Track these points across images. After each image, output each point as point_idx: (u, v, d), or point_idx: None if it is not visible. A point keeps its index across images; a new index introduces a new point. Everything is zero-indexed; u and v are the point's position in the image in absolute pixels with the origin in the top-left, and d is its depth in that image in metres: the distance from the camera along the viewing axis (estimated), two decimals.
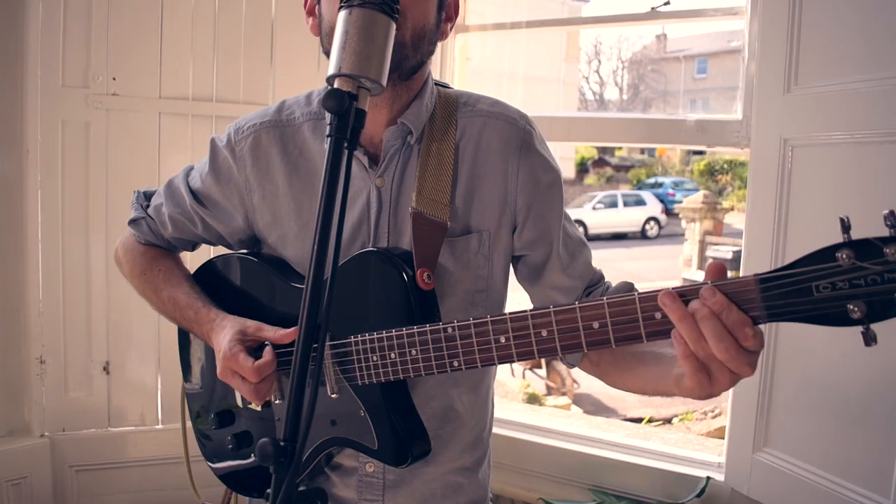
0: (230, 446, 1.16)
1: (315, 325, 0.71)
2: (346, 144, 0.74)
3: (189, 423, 1.31)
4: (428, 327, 0.96)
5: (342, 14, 0.77)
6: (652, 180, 20.74)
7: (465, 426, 1.21)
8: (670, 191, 18.95)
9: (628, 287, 1.16)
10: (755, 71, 1.94)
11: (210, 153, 1.23)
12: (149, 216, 1.28)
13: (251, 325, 1.08)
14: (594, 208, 17.65)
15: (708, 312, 0.74)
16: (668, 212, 17.28)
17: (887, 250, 0.67)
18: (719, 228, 10.44)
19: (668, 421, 5.60)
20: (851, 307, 0.69)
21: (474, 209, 1.13)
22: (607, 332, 0.82)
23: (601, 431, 2.58)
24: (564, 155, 20.83)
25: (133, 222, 1.30)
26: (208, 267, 1.25)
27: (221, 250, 1.29)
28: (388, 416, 1.05)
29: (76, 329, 2.24)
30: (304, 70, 2.33)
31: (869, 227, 0.76)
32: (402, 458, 1.05)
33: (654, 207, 17.74)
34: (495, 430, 2.36)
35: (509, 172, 1.13)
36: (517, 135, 1.14)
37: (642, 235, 17.40)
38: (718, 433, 4.48)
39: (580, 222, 17.20)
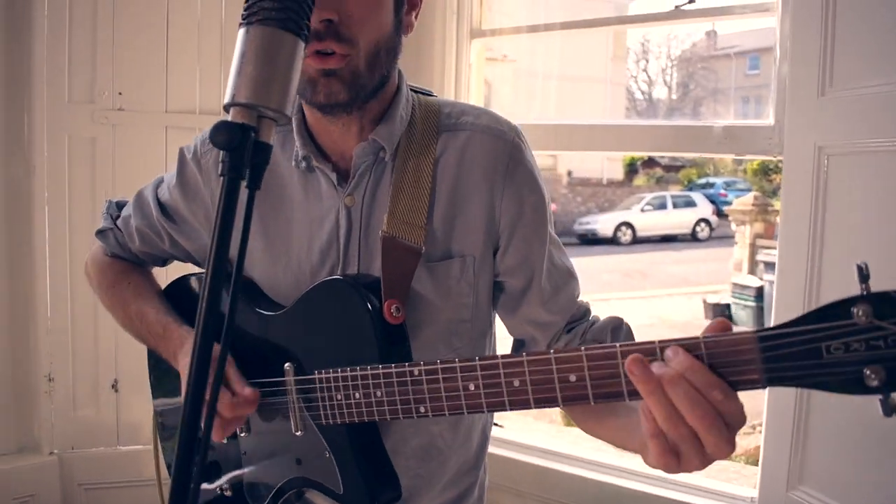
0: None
1: (204, 385, 0.61)
2: (245, 184, 0.64)
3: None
4: (393, 368, 0.87)
5: (240, 33, 0.67)
6: (703, 180, 20.21)
7: (448, 462, 1.12)
8: (722, 191, 18.42)
9: (616, 324, 1.04)
10: (787, 72, 1.79)
11: (178, 164, 1.15)
12: (117, 227, 1.21)
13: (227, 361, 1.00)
14: (642, 210, 17.28)
15: (675, 374, 0.64)
16: (720, 213, 16.81)
17: None
18: (771, 231, 10.00)
19: None
20: (868, 373, 0.59)
21: (456, 231, 1.03)
22: (585, 387, 0.71)
23: (629, 458, 2.44)
24: (612, 156, 20.47)
25: (100, 233, 1.24)
26: (179, 284, 1.18)
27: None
28: (354, 460, 0.96)
29: (84, 346, 2.21)
30: None
31: None
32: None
33: (704, 209, 17.27)
34: (516, 455, 2.30)
35: (495, 190, 1.02)
36: (504, 149, 1.03)
37: (693, 237, 16.96)
38: None
39: (628, 225, 16.89)
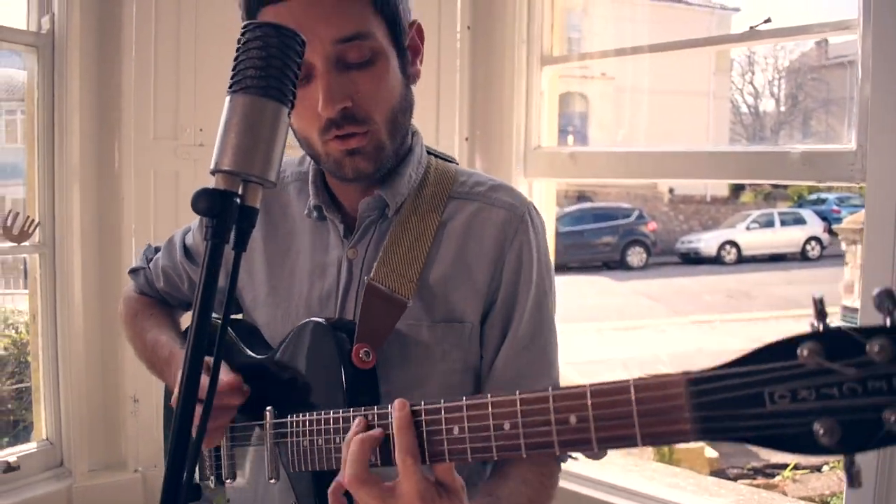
0: None
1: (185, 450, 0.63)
2: (233, 246, 0.67)
3: None
4: (351, 412, 0.85)
5: (226, 101, 0.69)
6: (814, 196, 19.15)
7: None
8: (835, 207, 17.34)
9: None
10: (869, 93, 1.67)
11: None
12: (148, 267, 1.28)
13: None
14: (748, 228, 16.54)
15: None
16: (832, 231, 15.85)
17: (871, 347, 0.48)
18: None
19: (818, 469, 5.04)
20: (819, 428, 0.49)
21: (458, 297, 1.02)
22: (518, 437, 0.67)
23: (707, 497, 2.33)
24: None
25: (133, 272, 1.31)
26: None
27: None
28: None
29: None
30: None
31: None
32: None
33: (815, 226, 16.32)
34: (585, 490, 2.23)
35: (500, 263, 1.02)
36: (513, 223, 1.03)
37: (802, 257, 16.07)
38: None
39: (733, 243, 16.21)
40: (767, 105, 23.72)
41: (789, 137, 22.55)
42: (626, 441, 0.59)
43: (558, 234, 15.93)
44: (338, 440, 0.86)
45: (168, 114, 2.26)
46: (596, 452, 0.64)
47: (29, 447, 2.25)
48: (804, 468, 4.92)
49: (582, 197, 19.06)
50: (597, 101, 19.44)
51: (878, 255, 1.61)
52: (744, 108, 23.55)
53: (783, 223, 16.52)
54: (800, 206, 18.46)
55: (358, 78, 0.93)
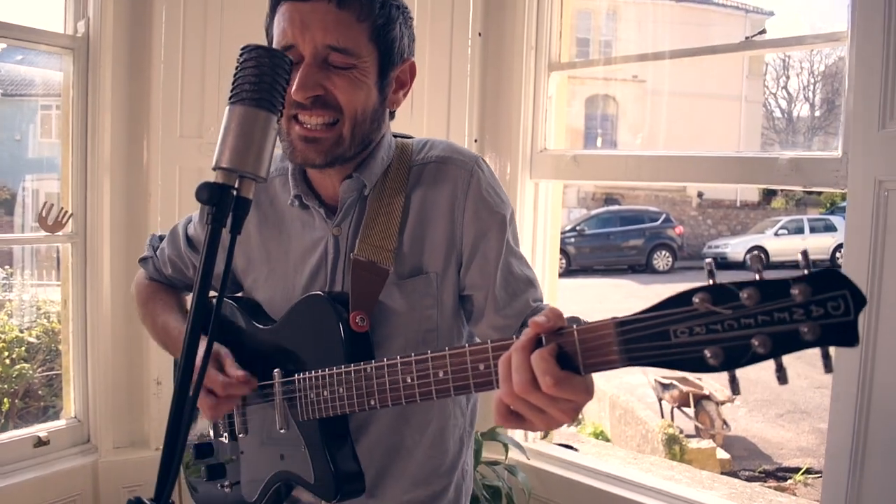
0: (202, 477, 1.26)
1: (186, 397, 0.75)
2: (229, 229, 0.80)
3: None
4: (352, 367, 1.01)
5: (227, 109, 0.83)
6: (846, 203, 18.88)
7: (415, 460, 1.23)
8: None
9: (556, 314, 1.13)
10: (852, 104, 1.75)
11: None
12: (156, 256, 1.41)
13: (224, 352, 1.17)
14: (777, 234, 16.38)
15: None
16: None
17: (743, 294, 0.65)
18: None
19: None
20: (707, 353, 0.67)
21: (424, 252, 1.17)
22: (490, 374, 0.85)
23: (699, 489, 2.41)
24: None
25: (143, 260, 1.44)
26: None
27: None
28: (324, 453, 1.11)
29: None
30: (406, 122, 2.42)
31: None
32: (333, 493, 1.11)
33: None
34: (586, 480, 2.32)
35: (456, 214, 1.16)
36: (463, 177, 1.17)
37: (832, 264, 15.84)
38: None
39: (760, 249, 16.07)
40: (802, 110, 23.39)
41: (824, 143, 22.24)
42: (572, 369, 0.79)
43: (584, 236, 15.98)
44: (340, 391, 1.04)
45: (193, 113, 2.41)
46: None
47: (58, 424, 2.41)
48: (816, 473, 4.93)
49: (609, 199, 19.01)
50: (628, 104, 19.38)
51: (856, 257, 1.68)
52: (777, 113, 23.25)
53: (813, 230, 16.31)
54: (831, 212, 18.21)
55: (335, 76, 1.07)
